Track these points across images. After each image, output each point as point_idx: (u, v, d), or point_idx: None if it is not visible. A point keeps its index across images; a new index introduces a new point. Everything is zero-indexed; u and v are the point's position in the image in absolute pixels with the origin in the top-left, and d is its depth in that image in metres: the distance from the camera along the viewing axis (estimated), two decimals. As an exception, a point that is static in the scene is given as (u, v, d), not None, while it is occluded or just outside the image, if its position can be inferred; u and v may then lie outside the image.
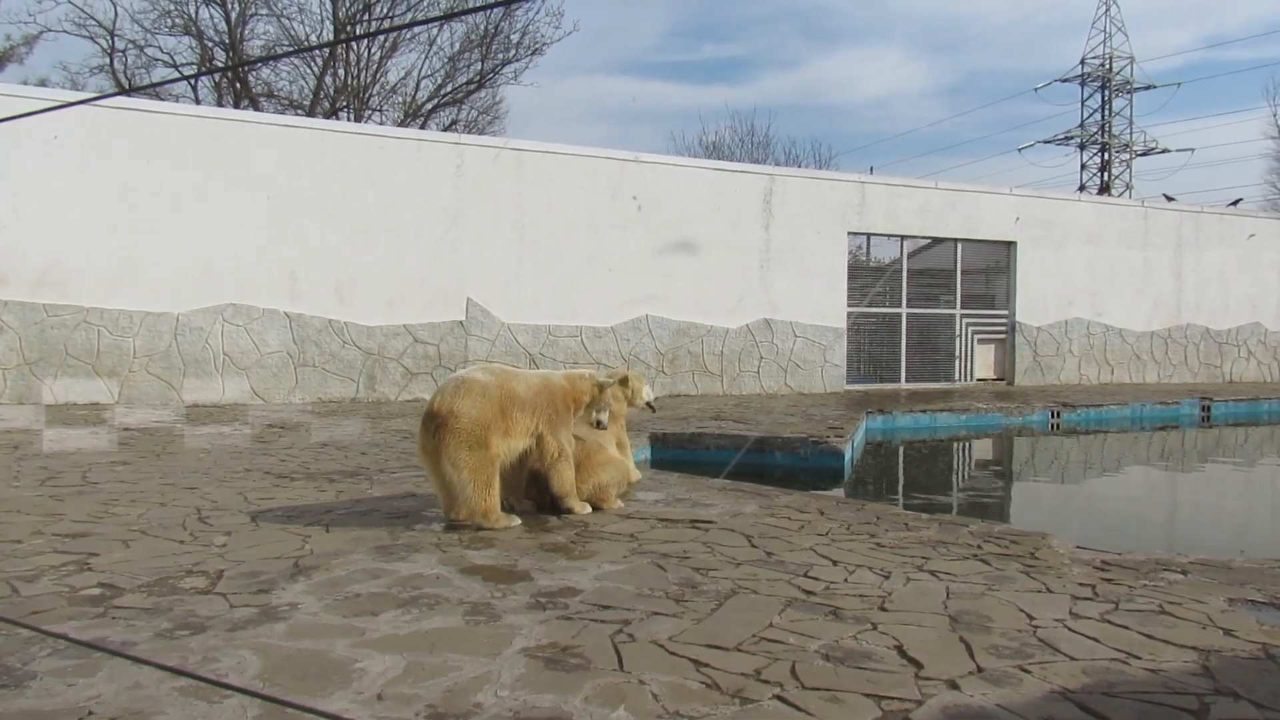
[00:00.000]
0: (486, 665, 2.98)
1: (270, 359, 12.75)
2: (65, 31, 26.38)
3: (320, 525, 5.02)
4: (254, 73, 28.12)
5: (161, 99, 24.56)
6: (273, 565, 4.17)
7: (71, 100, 11.62)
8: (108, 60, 26.86)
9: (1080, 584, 4.04)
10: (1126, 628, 3.44)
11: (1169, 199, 22.68)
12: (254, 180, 12.62)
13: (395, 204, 13.39)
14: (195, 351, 12.33)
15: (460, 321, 13.80)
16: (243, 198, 12.56)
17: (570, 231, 14.44)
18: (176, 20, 26.80)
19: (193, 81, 27.75)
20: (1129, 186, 53.52)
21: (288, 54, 28.32)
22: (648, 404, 6.35)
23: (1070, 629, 3.42)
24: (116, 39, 26.69)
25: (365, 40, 27.95)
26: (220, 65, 27.00)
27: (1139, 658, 3.14)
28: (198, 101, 26.75)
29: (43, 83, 25.27)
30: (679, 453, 9.62)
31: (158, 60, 27.11)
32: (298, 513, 5.36)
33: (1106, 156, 54.75)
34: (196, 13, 26.99)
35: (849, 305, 16.69)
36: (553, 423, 5.09)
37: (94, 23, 26.36)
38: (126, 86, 24.31)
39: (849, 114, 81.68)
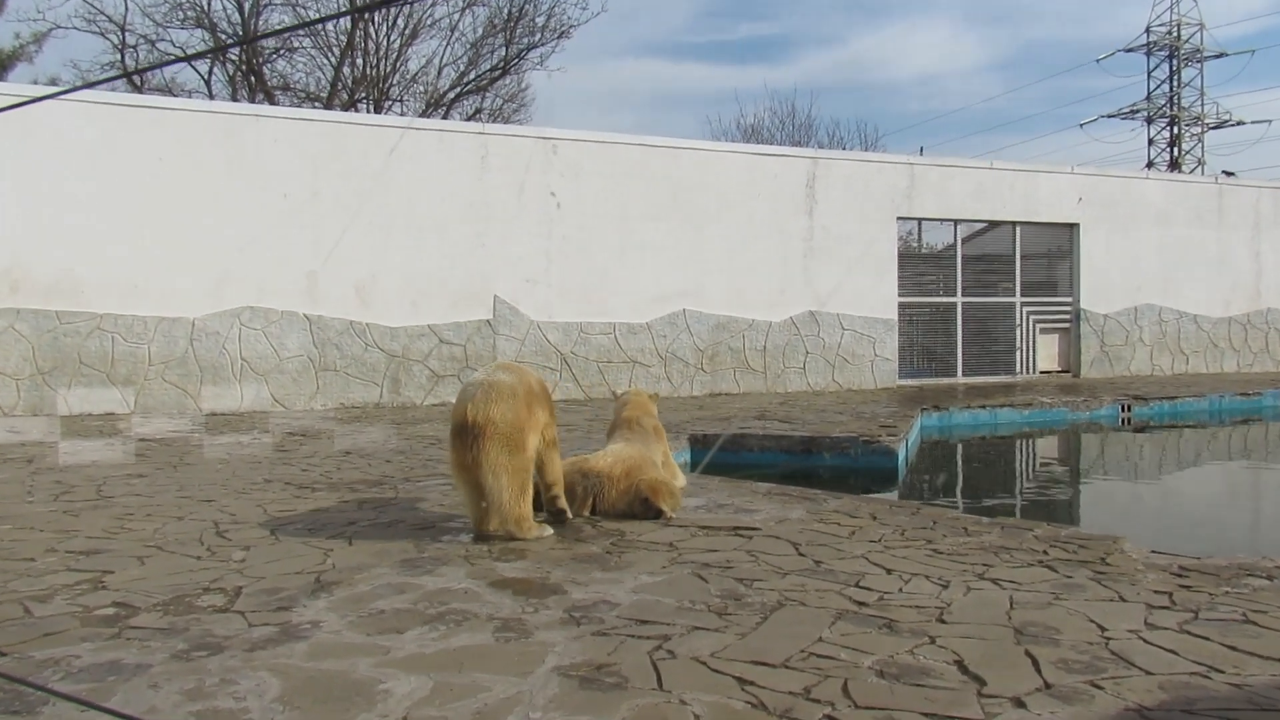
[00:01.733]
0: (518, 685, 2.97)
1: (290, 364, 12.88)
2: (75, 28, 26.96)
3: (343, 538, 5.05)
4: (269, 65, 28.49)
5: (174, 94, 25.01)
6: (293, 581, 4.19)
7: (63, 87, 11.82)
8: (119, 56, 27.37)
9: (1156, 592, 3.95)
10: (1207, 639, 3.36)
11: (1228, 175, 22.23)
12: (269, 177, 12.76)
13: (417, 198, 13.46)
14: (212, 357, 12.48)
15: (488, 320, 13.86)
16: (258, 196, 12.70)
17: (600, 223, 14.45)
18: (189, 13, 27.28)
19: (206, 78, 28.22)
20: (1200, 162, 52.63)
21: (306, 24, 28.57)
22: None
23: (1146, 641, 3.35)
24: (127, 34, 27.20)
25: (384, 22, 28.16)
26: (233, 49, 27.31)
27: (1221, 671, 3.06)
28: (211, 97, 27.18)
29: (53, 81, 25.80)
30: (721, 455, 9.58)
31: (170, 55, 27.57)
32: (319, 525, 5.40)
33: (1176, 130, 53.88)
34: (209, 5, 27.43)
35: (900, 295, 16.55)
36: (551, 413, 5.30)
37: (104, 18, 26.90)
38: (139, 84, 24.71)
39: (896, 92, 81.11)
